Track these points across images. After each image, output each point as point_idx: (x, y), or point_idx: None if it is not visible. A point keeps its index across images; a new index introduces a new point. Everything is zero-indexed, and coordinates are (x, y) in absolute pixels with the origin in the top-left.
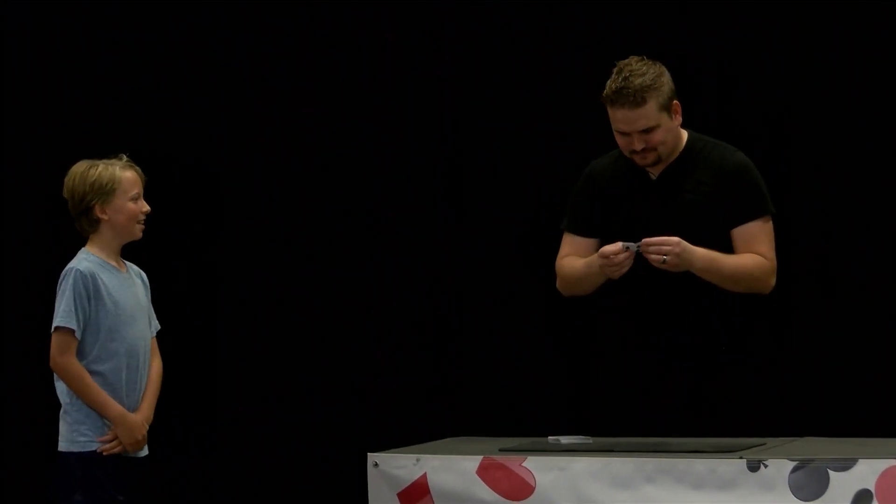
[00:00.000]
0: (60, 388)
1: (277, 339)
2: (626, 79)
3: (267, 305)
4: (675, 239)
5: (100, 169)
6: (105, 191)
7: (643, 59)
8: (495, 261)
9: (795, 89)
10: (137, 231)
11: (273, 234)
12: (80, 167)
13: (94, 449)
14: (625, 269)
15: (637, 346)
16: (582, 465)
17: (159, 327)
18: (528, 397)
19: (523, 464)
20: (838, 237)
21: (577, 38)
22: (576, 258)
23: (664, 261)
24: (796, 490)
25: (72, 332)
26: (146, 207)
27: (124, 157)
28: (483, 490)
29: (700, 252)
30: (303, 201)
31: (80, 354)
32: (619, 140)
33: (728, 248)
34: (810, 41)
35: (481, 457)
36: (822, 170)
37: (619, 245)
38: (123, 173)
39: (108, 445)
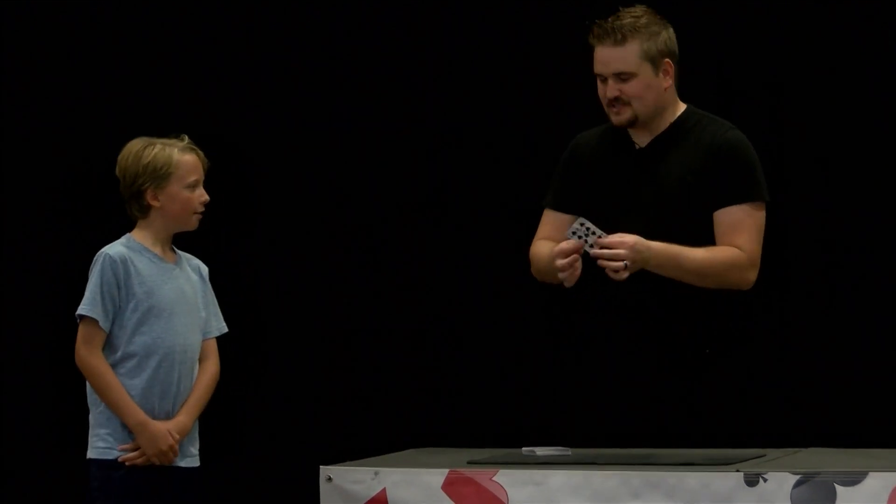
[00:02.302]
0: (88, 386)
1: (230, 343)
2: (617, 17)
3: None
4: (631, 239)
5: (156, 150)
6: (159, 175)
7: (650, 10)
8: (465, 259)
9: (794, 87)
10: (193, 222)
11: (229, 237)
12: (135, 145)
13: (113, 458)
14: (577, 274)
15: (621, 347)
16: (560, 480)
17: (224, 330)
18: (499, 404)
19: (494, 478)
20: (839, 235)
21: (578, 39)
22: (546, 243)
23: (625, 266)
24: None
25: (96, 322)
26: (205, 197)
27: (186, 137)
28: None
29: (656, 247)
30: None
31: (108, 349)
32: (598, 87)
33: (707, 231)
34: (807, 37)
35: (447, 470)
36: (824, 166)
37: (570, 244)
38: (182, 157)
39: (129, 455)
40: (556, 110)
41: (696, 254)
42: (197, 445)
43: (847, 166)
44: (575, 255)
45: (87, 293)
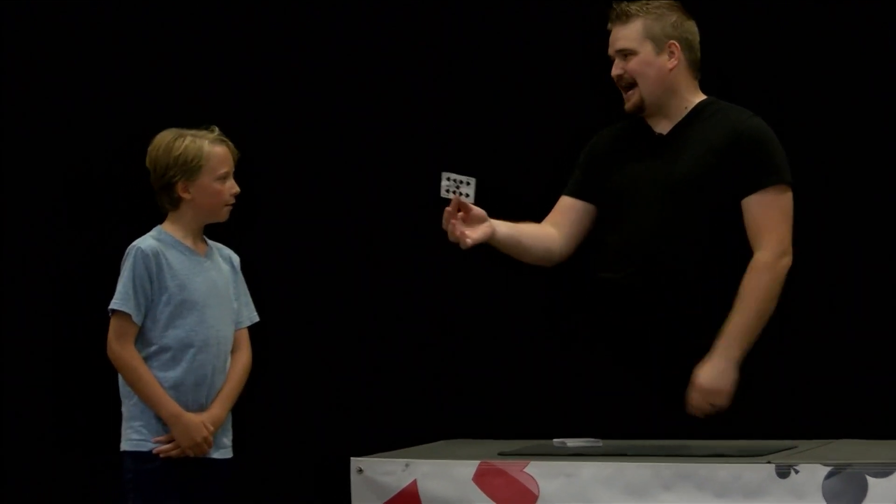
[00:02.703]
0: (120, 378)
1: (259, 339)
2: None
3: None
4: (701, 386)
5: (186, 141)
6: (190, 167)
7: (672, 2)
8: (492, 254)
9: (793, 87)
10: (224, 213)
11: (255, 234)
12: (165, 137)
13: (147, 450)
14: (458, 230)
15: (653, 339)
16: (591, 471)
17: (256, 319)
18: (530, 396)
19: (525, 469)
20: (869, 227)
21: (580, 40)
22: (543, 225)
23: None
24: (831, 498)
25: (129, 316)
26: (235, 188)
27: (216, 129)
28: (480, 499)
29: (727, 354)
30: (290, 203)
31: (141, 343)
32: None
33: (729, 216)
34: (807, 38)
35: (478, 462)
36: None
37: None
38: (213, 148)
39: (164, 447)
40: (557, 111)
41: (745, 315)
42: (230, 437)
43: (847, 166)
44: (448, 212)
45: (119, 287)
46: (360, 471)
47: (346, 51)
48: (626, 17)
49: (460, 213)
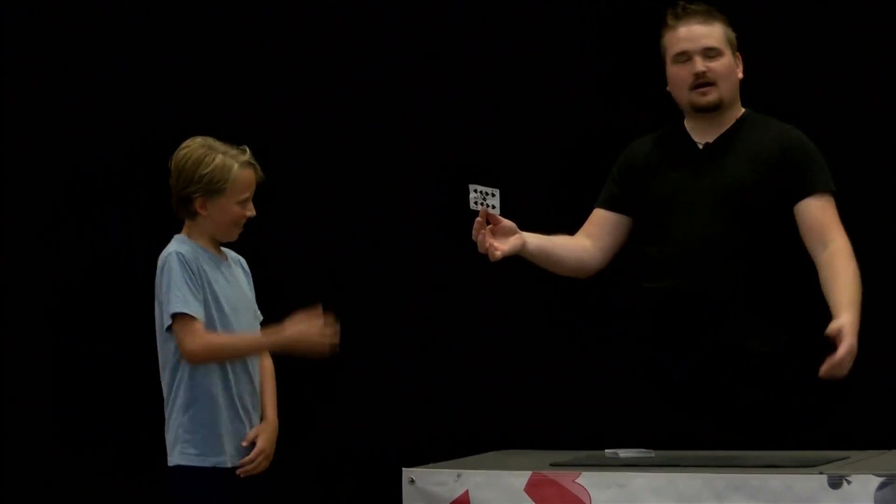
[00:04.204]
0: (171, 390)
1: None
2: (693, 1)
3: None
4: (850, 345)
5: (217, 160)
6: (214, 189)
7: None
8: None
9: (793, 88)
10: (234, 233)
11: (301, 234)
12: (196, 149)
13: (210, 465)
14: (488, 242)
15: (703, 352)
16: (643, 482)
17: (261, 318)
18: (582, 406)
19: (577, 480)
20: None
21: (585, 40)
22: (577, 236)
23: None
24: None
25: (191, 317)
26: (252, 212)
27: (247, 151)
28: None
29: (850, 317)
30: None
31: (197, 369)
32: (676, 72)
33: (777, 226)
34: (806, 38)
35: (530, 472)
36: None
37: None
38: (241, 172)
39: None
40: (560, 113)
41: (852, 290)
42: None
43: (847, 166)
44: (478, 224)
45: (174, 291)
46: (412, 481)
47: (345, 51)
48: (710, 17)
49: (489, 225)
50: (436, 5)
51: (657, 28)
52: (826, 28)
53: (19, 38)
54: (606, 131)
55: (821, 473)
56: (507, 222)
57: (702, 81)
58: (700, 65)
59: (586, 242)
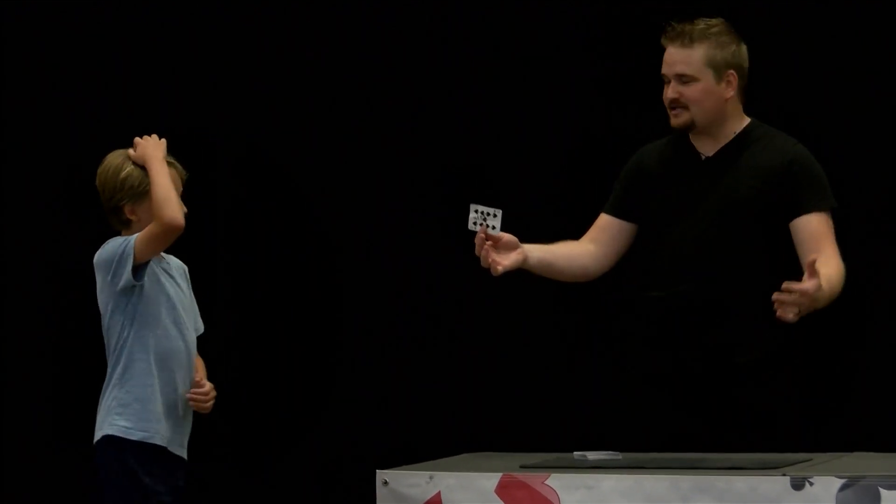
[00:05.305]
0: (115, 369)
1: (279, 349)
2: (692, 22)
3: (270, 314)
4: (816, 284)
5: (132, 165)
6: (137, 192)
7: (727, 23)
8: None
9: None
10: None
11: (269, 240)
12: (113, 160)
13: (137, 438)
14: (490, 257)
15: (669, 353)
16: (611, 483)
17: (202, 330)
18: (551, 409)
19: (546, 482)
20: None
21: (587, 41)
22: (581, 242)
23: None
24: None
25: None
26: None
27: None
28: None
29: (826, 277)
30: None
31: (141, 346)
32: (664, 90)
33: (777, 242)
34: (807, 38)
35: (500, 474)
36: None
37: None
38: None
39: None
40: (564, 116)
41: (834, 274)
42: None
43: (848, 166)
44: (479, 240)
45: (119, 241)
46: (386, 483)
47: (348, 53)
48: (688, 41)
49: (489, 242)
50: (440, 8)
51: (660, 33)
52: (827, 30)
53: (19, 38)
54: (610, 135)
55: (784, 475)
56: (508, 237)
57: (673, 105)
58: (670, 91)
59: (591, 247)
